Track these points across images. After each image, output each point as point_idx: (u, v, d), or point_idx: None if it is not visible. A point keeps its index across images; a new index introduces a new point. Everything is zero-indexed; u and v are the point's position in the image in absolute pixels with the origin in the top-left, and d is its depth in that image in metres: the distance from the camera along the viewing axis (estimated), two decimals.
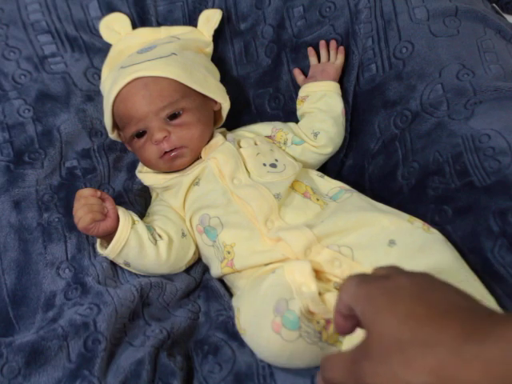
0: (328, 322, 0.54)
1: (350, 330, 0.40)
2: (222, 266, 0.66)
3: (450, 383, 0.31)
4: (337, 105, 0.80)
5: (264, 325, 0.54)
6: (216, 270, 0.69)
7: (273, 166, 0.72)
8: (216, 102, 0.77)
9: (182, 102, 0.71)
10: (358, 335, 0.38)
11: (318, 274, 0.60)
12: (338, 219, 0.64)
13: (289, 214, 0.67)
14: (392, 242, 0.60)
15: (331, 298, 0.55)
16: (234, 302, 0.64)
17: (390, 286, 0.37)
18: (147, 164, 0.75)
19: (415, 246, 0.59)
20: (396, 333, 0.34)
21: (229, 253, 0.66)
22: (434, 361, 0.32)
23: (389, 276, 0.38)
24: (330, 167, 0.84)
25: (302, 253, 0.61)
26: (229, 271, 0.66)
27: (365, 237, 0.62)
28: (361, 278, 0.40)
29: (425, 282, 0.38)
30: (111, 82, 0.73)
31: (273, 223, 0.65)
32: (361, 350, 0.36)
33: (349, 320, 0.39)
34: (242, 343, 0.58)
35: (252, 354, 0.57)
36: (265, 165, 0.72)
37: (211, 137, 0.76)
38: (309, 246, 0.62)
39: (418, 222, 0.62)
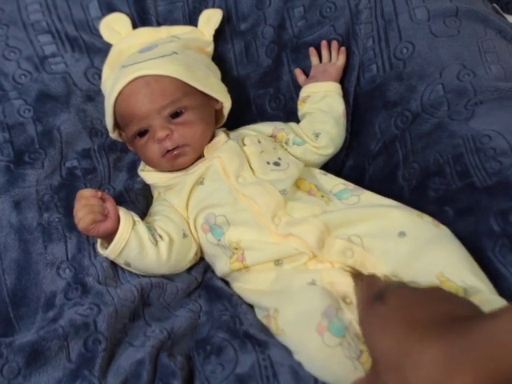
0: None
1: None
2: (232, 261, 0.66)
3: None
4: (338, 105, 0.81)
5: (308, 325, 0.54)
6: (223, 267, 0.68)
7: (276, 164, 0.72)
8: (218, 101, 0.77)
9: (184, 100, 0.71)
10: None
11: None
12: (347, 211, 0.65)
13: (295, 209, 0.67)
14: (402, 234, 0.61)
15: None
16: (262, 301, 0.63)
17: (382, 312, 0.41)
18: (149, 163, 0.75)
19: (425, 238, 0.60)
20: (391, 355, 0.38)
21: (236, 249, 0.66)
22: (427, 376, 0.35)
23: (382, 297, 0.43)
24: (331, 167, 0.84)
25: (316, 245, 0.62)
26: (238, 266, 0.66)
27: (374, 227, 0.63)
28: (361, 305, 0.45)
29: (414, 299, 0.42)
30: (112, 81, 0.73)
31: (280, 219, 0.66)
32: (372, 372, 0.41)
33: None
34: (244, 342, 0.58)
35: (254, 353, 0.56)
36: (268, 163, 0.72)
37: (213, 135, 0.76)
38: (321, 238, 0.62)
39: (428, 218, 0.63)
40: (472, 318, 0.37)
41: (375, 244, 0.61)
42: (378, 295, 0.44)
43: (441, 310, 0.39)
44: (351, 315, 0.53)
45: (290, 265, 0.64)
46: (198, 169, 0.72)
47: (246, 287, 0.67)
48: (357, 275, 0.56)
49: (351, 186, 0.72)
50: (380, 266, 0.59)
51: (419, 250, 0.58)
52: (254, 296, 0.66)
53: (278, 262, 0.64)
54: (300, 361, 0.54)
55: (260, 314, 0.63)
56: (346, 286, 0.57)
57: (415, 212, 0.64)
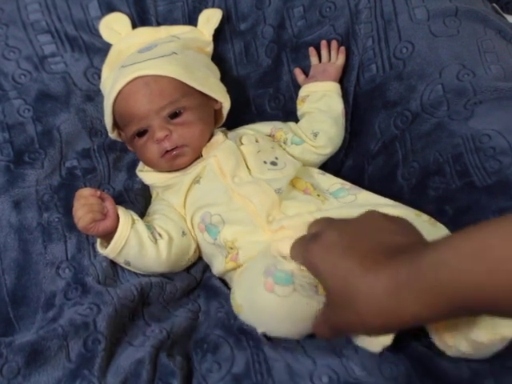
0: None
1: None
2: (227, 261, 0.66)
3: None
4: (337, 105, 0.81)
5: (257, 289, 0.53)
6: (220, 266, 0.68)
7: (273, 163, 0.72)
8: (217, 101, 0.77)
9: (183, 100, 0.71)
10: None
11: None
12: (342, 210, 0.65)
13: (290, 208, 0.67)
14: None
15: None
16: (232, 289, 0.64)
17: (318, 250, 0.43)
18: (148, 163, 0.75)
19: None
20: (340, 290, 0.40)
21: (231, 248, 0.66)
22: (377, 306, 0.37)
23: (316, 236, 0.44)
24: (330, 167, 0.84)
25: None
26: (233, 266, 0.66)
27: None
28: (299, 242, 0.47)
29: (351, 231, 0.43)
30: (112, 81, 0.73)
31: (274, 218, 0.66)
32: (327, 306, 0.44)
33: None
34: (239, 339, 0.57)
35: (249, 350, 0.56)
36: (265, 162, 0.72)
37: (212, 135, 0.76)
38: None
39: (425, 216, 0.63)
40: (416, 247, 0.38)
41: None
42: (311, 236, 0.45)
43: (381, 239, 0.40)
44: (290, 265, 0.53)
45: None
46: (196, 168, 0.72)
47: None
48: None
49: (348, 185, 0.72)
50: None
51: None
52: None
53: None
54: (268, 331, 0.55)
55: None
56: (286, 245, 0.56)
57: (413, 211, 0.64)
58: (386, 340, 0.49)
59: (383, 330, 0.41)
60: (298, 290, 0.52)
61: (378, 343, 0.50)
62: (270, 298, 0.52)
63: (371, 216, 0.45)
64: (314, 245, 0.43)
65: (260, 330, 0.56)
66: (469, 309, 0.35)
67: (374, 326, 0.39)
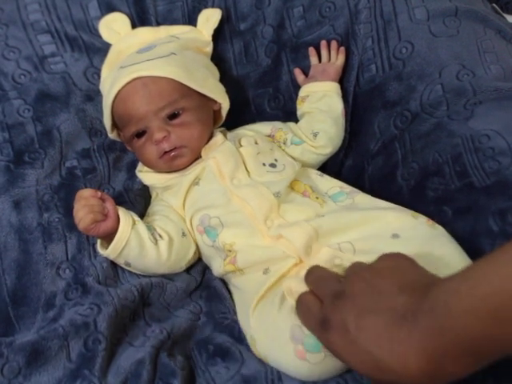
0: None
1: None
2: (225, 263, 0.66)
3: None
4: (337, 105, 0.80)
5: (288, 354, 0.53)
6: (218, 269, 0.68)
7: (272, 165, 0.72)
8: (216, 102, 0.77)
9: (182, 101, 0.71)
10: None
11: None
12: (340, 216, 0.64)
13: (288, 212, 0.67)
14: (395, 236, 0.60)
15: None
16: (244, 326, 0.62)
17: (334, 339, 0.41)
18: (147, 164, 0.75)
19: (419, 239, 0.59)
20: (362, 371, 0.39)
21: (230, 251, 0.66)
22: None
23: (326, 322, 0.43)
24: (330, 167, 0.84)
25: (304, 250, 0.61)
26: (231, 269, 0.66)
27: (367, 231, 0.62)
28: (314, 328, 0.46)
29: (364, 301, 0.41)
30: (111, 81, 0.73)
31: (272, 222, 0.65)
32: None
33: None
34: (248, 349, 0.58)
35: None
36: (264, 164, 0.72)
37: (211, 136, 0.76)
38: (309, 244, 0.62)
39: (422, 218, 0.63)
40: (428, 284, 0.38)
41: (367, 246, 0.60)
42: (321, 321, 0.43)
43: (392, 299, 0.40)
44: None
45: (276, 272, 0.62)
46: (195, 169, 0.72)
47: (237, 297, 0.67)
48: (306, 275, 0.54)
49: (348, 188, 0.71)
50: None
51: (413, 251, 0.58)
52: (239, 313, 0.65)
53: (266, 271, 0.63)
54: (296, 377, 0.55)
55: None
56: (299, 286, 0.56)
57: (410, 212, 0.64)
58: None
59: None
60: (328, 355, 0.52)
61: None
62: (304, 365, 0.53)
63: (390, 269, 0.44)
64: (327, 334, 0.42)
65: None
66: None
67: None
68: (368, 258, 0.49)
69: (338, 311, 0.42)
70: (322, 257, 0.61)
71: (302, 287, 0.54)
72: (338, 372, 0.54)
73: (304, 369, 0.53)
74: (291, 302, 0.55)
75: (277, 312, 0.57)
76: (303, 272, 0.54)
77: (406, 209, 0.65)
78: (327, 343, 0.43)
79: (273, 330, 0.56)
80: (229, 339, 0.60)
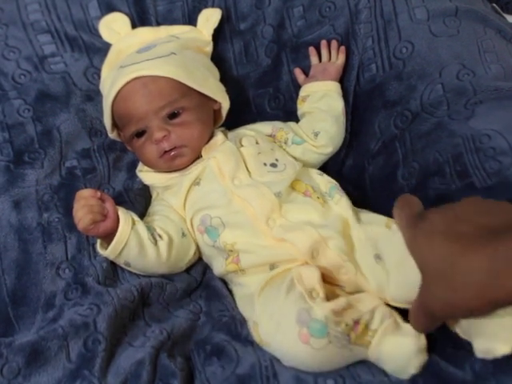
0: (356, 322, 0.54)
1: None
2: (227, 263, 0.66)
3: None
4: (337, 105, 0.80)
5: (291, 337, 0.54)
6: (220, 268, 0.68)
7: (273, 165, 0.72)
8: (216, 102, 0.77)
9: (182, 101, 0.71)
10: None
11: (326, 278, 0.61)
12: (342, 213, 0.67)
13: (290, 211, 0.67)
14: (377, 257, 0.61)
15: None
16: (246, 312, 0.63)
17: (425, 227, 0.44)
18: (147, 163, 0.75)
19: (396, 256, 0.58)
20: (437, 266, 0.42)
21: (231, 251, 0.66)
22: (474, 281, 0.39)
23: (423, 215, 0.46)
24: (331, 167, 0.84)
25: (309, 254, 0.62)
26: (233, 268, 0.66)
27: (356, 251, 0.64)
28: (404, 223, 0.47)
29: (453, 215, 0.44)
30: (111, 81, 0.73)
31: (274, 222, 0.65)
32: (421, 286, 0.44)
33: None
34: (245, 344, 0.58)
35: (255, 354, 0.56)
36: (265, 164, 0.72)
37: (211, 136, 0.76)
38: (315, 247, 0.62)
39: (395, 225, 0.62)
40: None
41: (363, 271, 0.62)
42: (419, 213, 0.47)
43: (480, 222, 0.42)
44: (321, 309, 0.53)
45: (284, 267, 0.63)
46: (195, 169, 0.72)
47: (239, 293, 0.67)
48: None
49: (338, 186, 0.72)
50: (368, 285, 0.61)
51: (396, 270, 0.58)
52: (240, 304, 0.66)
53: (272, 267, 0.63)
54: (293, 366, 0.55)
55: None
56: (313, 279, 0.57)
57: (383, 221, 0.64)
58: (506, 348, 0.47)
59: (480, 309, 0.41)
60: (332, 342, 0.52)
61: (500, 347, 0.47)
62: (306, 350, 0.53)
63: (472, 201, 0.47)
64: (417, 230, 0.45)
65: (285, 364, 0.55)
66: None
67: (472, 305, 0.40)
68: (368, 282, 0.53)
69: (438, 213, 0.45)
70: (330, 261, 0.62)
71: (313, 275, 0.56)
72: (337, 366, 0.54)
73: (306, 354, 0.53)
74: (299, 289, 0.56)
75: (284, 297, 0.57)
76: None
77: (379, 217, 0.66)
78: (414, 229, 0.45)
79: (278, 314, 0.56)
80: (225, 337, 0.59)
